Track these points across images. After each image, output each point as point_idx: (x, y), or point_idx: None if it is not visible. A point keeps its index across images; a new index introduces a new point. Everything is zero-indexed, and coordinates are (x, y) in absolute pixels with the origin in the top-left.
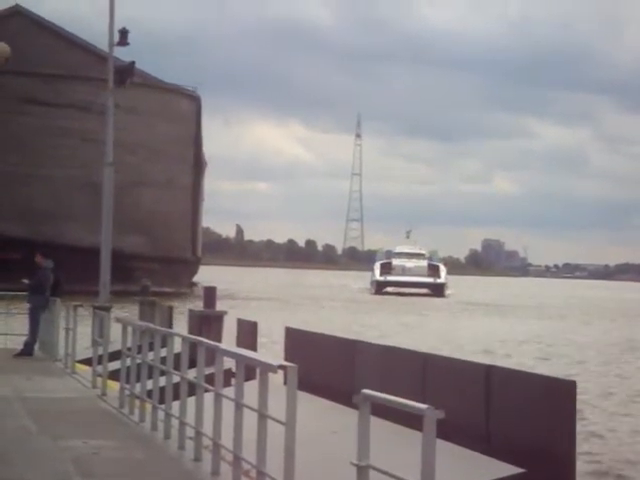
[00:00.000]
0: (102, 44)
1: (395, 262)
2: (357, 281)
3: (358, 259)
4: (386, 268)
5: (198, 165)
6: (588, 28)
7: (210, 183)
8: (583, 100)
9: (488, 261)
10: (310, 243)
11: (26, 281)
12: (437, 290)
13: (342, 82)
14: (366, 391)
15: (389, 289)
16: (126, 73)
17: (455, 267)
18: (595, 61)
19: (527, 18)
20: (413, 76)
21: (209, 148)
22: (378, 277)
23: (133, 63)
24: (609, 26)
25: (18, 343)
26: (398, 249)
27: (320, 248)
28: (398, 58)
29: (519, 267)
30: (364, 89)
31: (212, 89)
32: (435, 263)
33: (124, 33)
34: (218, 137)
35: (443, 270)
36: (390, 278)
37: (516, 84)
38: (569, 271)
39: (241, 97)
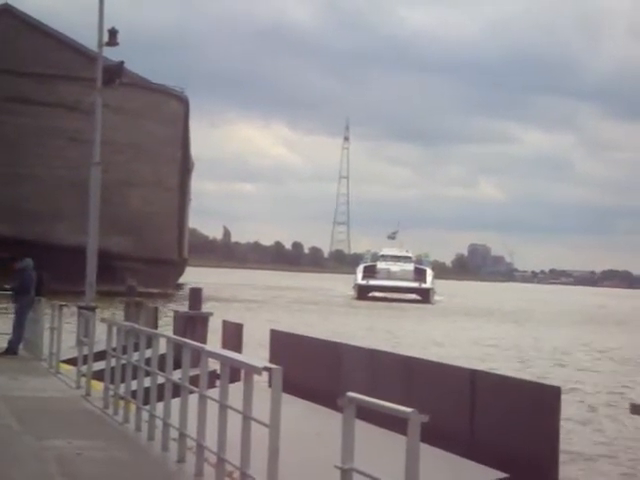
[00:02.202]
0: (90, 44)
1: (380, 265)
2: (343, 284)
3: (345, 262)
4: (369, 271)
5: (185, 166)
6: (569, 34)
7: (196, 184)
8: (565, 106)
9: (474, 266)
10: (297, 246)
11: (8, 287)
12: (423, 296)
13: (326, 85)
14: (351, 394)
15: (376, 294)
16: (115, 73)
17: (441, 271)
18: (576, 67)
19: (508, 23)
20: (397, 79)
21: (195, 149)
22: (360, 281)
23: (122, 63)
24: (590, 33)
25: (2, 342)
26: (384, 251)
27: (307, 251)
28: (381, 61)
29: (505, 272)
30: (348, 92)
31: (197, 90)
32: (422, 267)
33: (113, 33)
34: (203, 138)
35: (430, 274)
36: (373, 282)
37: (498, 89)
38: (555, 277)
39: (226, 98)
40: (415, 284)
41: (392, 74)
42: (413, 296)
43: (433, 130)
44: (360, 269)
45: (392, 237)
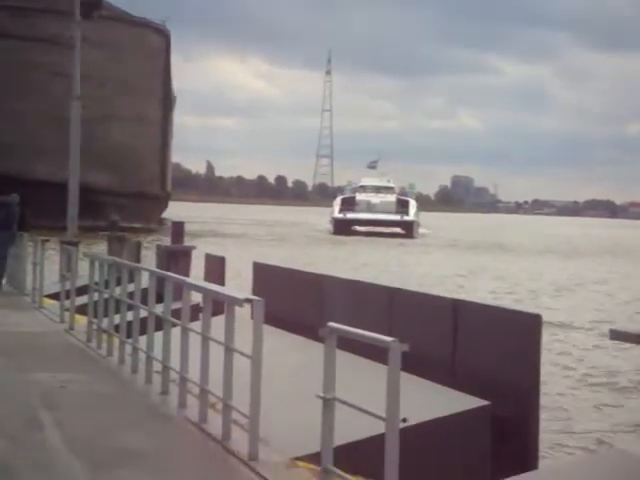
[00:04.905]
0: None
1: (359, 197)
2: (325, 218)
3: (328, 195)
4: (348, 204)
5: (167, 100)
6: None
7: (178, 119)
8: (543, 36)
9: (457, 198)
10: (280, 179)
11: None
12: (406, 229)
13: (304, 18)
14: (332, 324)
15: (358, 228)
16: (94, 5)
17: (424, 204)
18: None
19: None
20: (375, 12)
21: (174, 84)
22: (337, 214)
23: None
24: None
25: None
26: (363, 182)
27: (290, 184)
28: None
29: (488, 203)
30: (326, 25)
31: (172, 23)
32: (405, 198)
33: None
34: (181, 72)
35: (413, 206)
36: (350, 215)
37: (476, 20)
38: (538, 207)
39: (202, 32)
40: (397, 217)
41: (371, 7)
42: (396, 230)
43: (412, 62)
44: (337, 202)
45: (372, 166)
